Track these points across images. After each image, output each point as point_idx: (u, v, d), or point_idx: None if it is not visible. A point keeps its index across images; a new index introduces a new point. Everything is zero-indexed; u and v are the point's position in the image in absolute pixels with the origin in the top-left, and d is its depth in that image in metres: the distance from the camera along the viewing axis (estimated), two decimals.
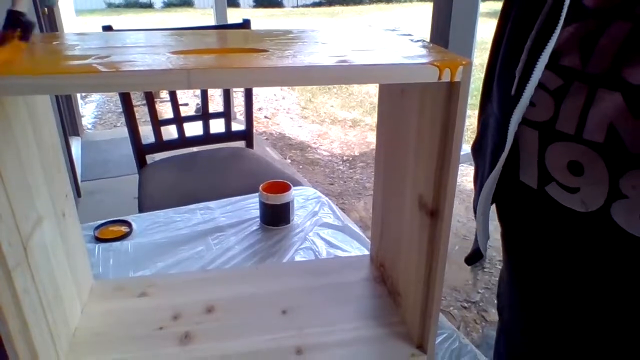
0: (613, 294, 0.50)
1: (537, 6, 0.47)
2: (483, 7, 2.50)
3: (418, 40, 0.54)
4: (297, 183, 1.28)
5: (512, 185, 0.55)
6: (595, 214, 0.46)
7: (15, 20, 0.42)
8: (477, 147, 0.61)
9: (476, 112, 0.61)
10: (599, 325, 0.53)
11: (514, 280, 0.66)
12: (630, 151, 0.41)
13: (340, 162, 3.34)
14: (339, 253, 0.91)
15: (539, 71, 0.46)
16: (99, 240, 0.93)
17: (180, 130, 1.70)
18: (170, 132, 1.73)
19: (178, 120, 1.68)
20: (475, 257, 0.63)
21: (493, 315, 1.75)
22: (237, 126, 1.81)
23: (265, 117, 4.42)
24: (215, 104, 4.37)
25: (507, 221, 0.62)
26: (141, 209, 1.37)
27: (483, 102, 0.59)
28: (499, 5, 0.57)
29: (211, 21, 4.09)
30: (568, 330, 0.56)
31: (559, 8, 0.45)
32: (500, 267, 1.58)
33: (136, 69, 0.40)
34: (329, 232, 0.98)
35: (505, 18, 0.54)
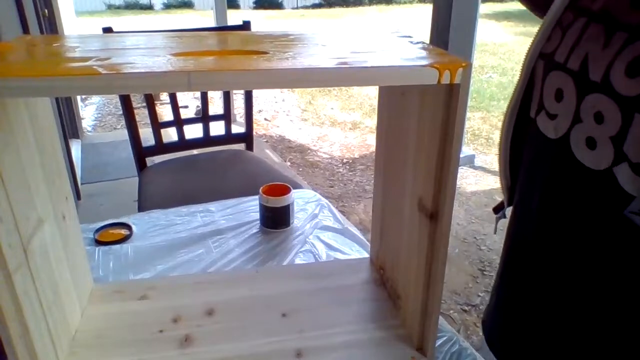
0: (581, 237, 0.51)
1: None
2: (483, 9, 2.50)
3: (418, 42, 0.54)
4: (297, 186, 1.28)
5: (526, 123, 0.58)
6: (559, 141, 0.49)
7: None
8: None
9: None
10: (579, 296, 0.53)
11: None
12: (590, 78, 0.45)
13: (340, 165, 3.34)
14: (339, 256, 0.90)
15: (555, 8, 0.51)
16: (99, 243, 0.92)
17: (180, 133, 1.70)
18: (170, 134, 1.73)
19: (178, 122, 1.68)
20: (500, 207, 0.67)
21: None
22: (237, 128, 1.81)
23: (265, 119, 4.42)
24: (215, 106, 4.37)
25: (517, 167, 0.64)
26: (141, 212, 1.37)
27: None
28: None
29: (211, 23, 4.10)
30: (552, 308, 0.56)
31: None
32: None
33: (136, 71, 0.40)
34: (328, 234, 0.98)
35: None
